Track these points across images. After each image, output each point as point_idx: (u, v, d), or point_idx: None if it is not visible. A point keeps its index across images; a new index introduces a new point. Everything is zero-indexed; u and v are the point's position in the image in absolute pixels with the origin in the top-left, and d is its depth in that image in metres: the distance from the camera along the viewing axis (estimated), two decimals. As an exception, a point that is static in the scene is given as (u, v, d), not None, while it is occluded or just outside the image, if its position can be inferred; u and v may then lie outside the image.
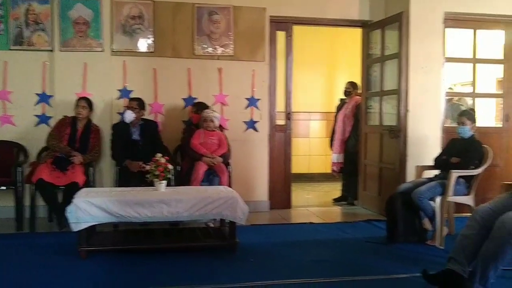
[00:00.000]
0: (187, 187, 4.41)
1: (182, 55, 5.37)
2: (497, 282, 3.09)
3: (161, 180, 3.94)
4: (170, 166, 4.02)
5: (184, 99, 5.39)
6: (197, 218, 4.07)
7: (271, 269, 3.55)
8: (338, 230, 4.83)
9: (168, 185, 4.08)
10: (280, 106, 5.87)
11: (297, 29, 5.94)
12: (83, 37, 5.16)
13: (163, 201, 3.73)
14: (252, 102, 5.54)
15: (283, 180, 5.84)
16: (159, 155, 4.02)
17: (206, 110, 4.97)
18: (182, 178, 4.75)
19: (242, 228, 4.22)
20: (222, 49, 5.45)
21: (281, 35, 5.79)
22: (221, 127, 5.20)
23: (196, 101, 5.32)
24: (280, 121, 5.87)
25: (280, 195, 5.79)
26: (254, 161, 5.59)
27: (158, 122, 5.24)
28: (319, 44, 8.23)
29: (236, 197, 3.89)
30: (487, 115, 7.12)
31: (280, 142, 5.83)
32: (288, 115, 5.88)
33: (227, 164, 4.93)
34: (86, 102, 4.94)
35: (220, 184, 4.66)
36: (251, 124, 5.55)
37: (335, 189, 6.82)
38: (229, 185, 4.71)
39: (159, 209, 3.71)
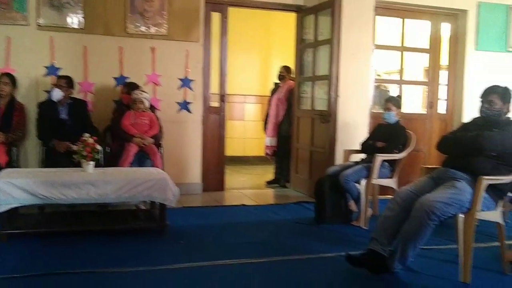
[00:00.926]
0: (116, 169, 4.31)
1: (114, 33, 5.21)
2: (415, 261, 3.28)
3: (88, 161, 3.83)
4: (98, 147, 3.91)
5: (115, 78, 5.24)
6: (126, 200, 3.99)
7: (201, 251, 3.57)
8: (269, 212, 4.92)
9: (97, 166, 3.97)
10: (214, 88, 5.84)
11: (233, 11, 5.92)
12: (7, 9, 4.87)
13: (90, 183, 3.64)
14: (185, 83, 5.48)
15: (216, 162, 5.84)
16: (87, 135, 3.90)
17: (136, 91, 4.85)
18: (112, 160, 4.64)
19: (173, 210, 4.20)
20: (156, 28, 5.33)
21: (216, 17, 5.75)
22: (153, 108, 5.11)
23: (127, 80, 5.19)
24: (215, 103, 5.84)
25: (213, 177, 5.80)
26: (187, 142, 5.55)
27: (88, 101, 5.07)
28: (255, 27, 8.25)
29: (166, 178, 3.85)
30: (415, 102, 7.45)
31: (214, 124, 5.81)
32: (223, 97, 5.86)
33: (158, 145, 4.87)
34: (9, 78, 4.70)
35: (152, 166, 4.60)
36: (184, 105, 5.50)
37: (269, 172, 6.91)
38: (161, 167, 4.65)
39: (86, 191, 3.62)
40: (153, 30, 5.32)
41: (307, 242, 3.89)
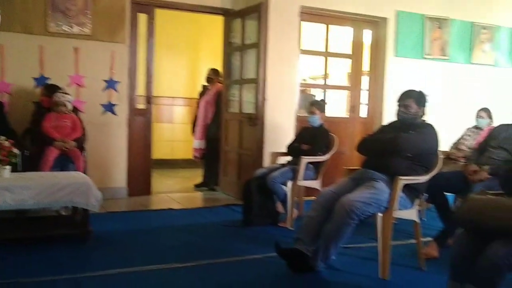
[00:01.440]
0: (35, 173, 4.10)
1: (34, 32, 4.98)
2: (337, 259, 3.39)
3: (4, 165, 3.63)
4: (15, 150, 3.72)
5: (35, 79, 5.00)
6: (46, 206, 3.83)
7: (125, 257, 3.48)
8: (197, 215, 4.89)
9: (14, 171, 3.77)
10: (141, 90, 5.73)
11: (160, 13, 5.84)
12: None
13: (6, 188, 3.44)
14: (110, 84, 5.34)
15: (143, 165, 5.72)
16: (2, 138, 3.70)
17: (58, 94, 4.64)
18: (31, 164, 4.42)
19: (97, 216, 4.08)
20: (79, 27, 5.15)
21: (143, 18, 5.64)
22: (76, 110, 4.93)
23: (48, 81, 4.98)
24: (141, 105, 5.73)
25: (139, 181, 5.68)
26: (112, 145, 5.40)
27: (5, 102, 4.80)
28: (183, 29, 8.19)
29: (89, 183, 3.73)
30: (339, 106, 7.68)
31: (140, 126, 5.70)
32: (149, 99, 5.76)
33: (81, 148, 4.70)
34: None
35: (75, 170, 4.43)
36: (109, 107, 5.35)
37: (198, 175, 6.88)
38: (84, 171, 4.50)
39: (2, 197, 3.41)
40: (76, 29, 5.14)
41: (235, 244, 3.91)
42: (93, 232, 3.78)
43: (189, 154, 7.45)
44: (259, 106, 5.35)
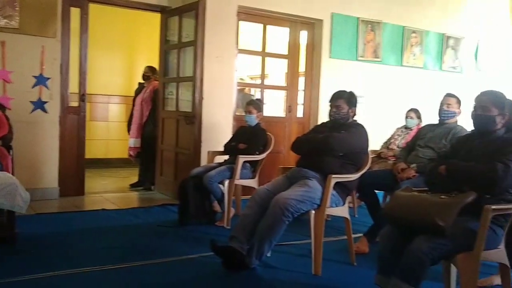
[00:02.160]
0: (-44, 174, 3.88)
1: (-46, 23, 4.71)
2: (272, 256, 3.44)
3: None
4: None
5: (-44, 73, 4.74)
6: (-33, 208, 3.62)
7: (54, 260, 3.35)
8: (131, 215, 4.80)
9: None
10: (74, 87, 5.54)
11: (95, 8, 5.68)
12: None
13: None
14: (40, 80, 5.12)
15: (75, 165, 5.53)
16: None
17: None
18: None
19: (25, 217, 3.93)
20: (6, 20, 4.90)
21: (75, 12, 5.46)
22: (1, 106, 4.69)
23: (-28, 76, 4.73)
24: (74, 103, 5.54)
25: (72, 181, 5.49)
26: (42, 144, 5.19)
27: None
28: (119, 25, 8.00)
29: (15, 183, 3.55)
30: (278, 106, 7.78)
31: (73, 125, 5.51)
32: (83, 97, 5.58)
33: (8, 147, 4.47)
34: None
35: (1, 170, 4.21)
36: (40, 105, 5.13)
37: (134, 175, 6.74)
38: (11, 171, 4.29)
39: None
40: (2, 22, 4.89)
41: (171, 244, 3.87)
42: (19, 235, 3.62)
43: (124, 153, 7.29)
44: (196, 104, 5.32)
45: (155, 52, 6.25)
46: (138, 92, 6.46)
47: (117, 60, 8.31)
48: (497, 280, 3.02)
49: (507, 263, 2.58)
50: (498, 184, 2.47)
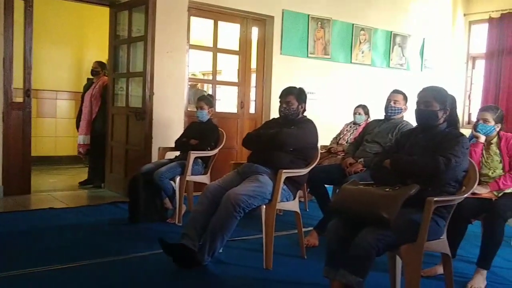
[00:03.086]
0: None
1: None
2: (224, 252, 3.45)
3: None
4: None
5: None
6: None
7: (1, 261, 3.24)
8: (81, 214, 4.69)
9: None
10: (18, 82, 5.34)
11: (41, 1, 5.49)
12: None
13: None
14: (-18, 76, 4.93)
15: (21, 163, 5.34)
16: None
17: None
18: None
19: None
20: None
21: (19, 4, 5.25)
22: None
23: None
24: (18, 99, 5.35)
25: (17, 179, 5.30)
26: (-16, 142, 5.00)
27: None
28: (67, 19, 7.79)
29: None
30: (231, 102, 7.78)
31: (18, 121, 5.31)
32: (28, 92, 5.39)
33: None
34: None
35: None
36: (-19, 101, 4.94)
37: (83, 172, 6.59)
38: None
39: None
40: None
41: (121, 242, 3.81)
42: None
43: (73, 151, 7.11)
44: (147, 100, 5.25)
45: (105, 47, 6.11)
46: (87, 87, 6.31)
47: (65, 55, 8.07)
48: (440, 269, 3.16)
49: (449, 253, 2.70)
50: (440, 177, 2.57)
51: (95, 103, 6.08)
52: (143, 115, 5.27)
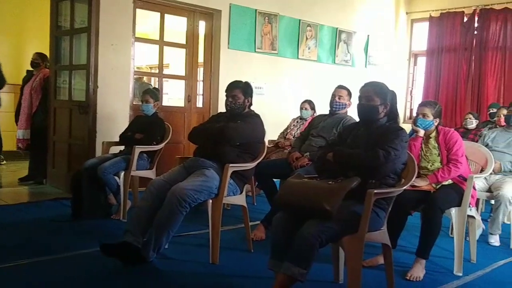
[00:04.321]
0: None
1: None
2: (170, 248, 3.42)
3: None
4: None
5: None
6: None
7: None
8: (21, 211, 4.53)
9: None
10: (-49, 74, 5.09)
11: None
12: None
13: None
14: None
15: (-45, 159, 5.10)
16: None
17: None
18: None
19: None
20: None
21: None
22: None
23: None
24: (-49, 92, 5.09)
25: (-49, 176, 5.06)
26: None
27: None
28: (5, 7, 7.46)
29: None
30: (178, 96, 7.69)
31: (-48, 115, 5.06)
32: (-39, 85, 5.13)
33: None
34: None
35: None
36: None
37: (24, 168, 6.35)
38: None
39: None
40: None
41: (65, 240, 3.70)
42: None
43: (13, 146, 6.84)
44: (91, 93, 5.11)
45: (46, 38, 5.88)
46: (26, 80, 6.07)
47: (2, 46, 7.72)
48: (381, 259, 3.24)
49: (389, 243, 2.78)
50: (380, 170, 2.65)
51: (35, 96, 5.85)
52: (86, 109, 5.13)
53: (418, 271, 3.23)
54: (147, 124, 4.61)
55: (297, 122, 5.58)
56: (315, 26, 7.37)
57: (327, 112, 4.42)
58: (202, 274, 3.14)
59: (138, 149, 4.37)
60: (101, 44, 5.13)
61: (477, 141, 4.70)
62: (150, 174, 4.57)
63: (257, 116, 3.62)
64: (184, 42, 6.24)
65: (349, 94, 4.35)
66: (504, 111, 5.22)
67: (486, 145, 4.36)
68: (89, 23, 5.07)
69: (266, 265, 2.63)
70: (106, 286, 2.92)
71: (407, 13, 8.88)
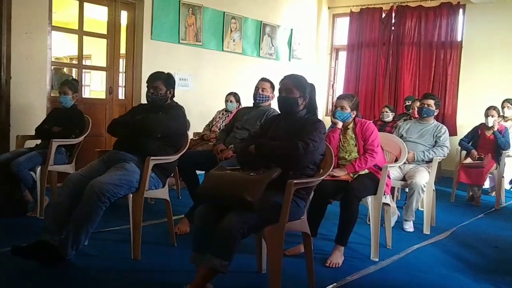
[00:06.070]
0: None
1: None
2: (89, 244, 3.31)
3: None
4: None
5: None
6: None
7: None
8: None
9: None
10: None
11: None
12: None
13: None
14: None
15: None
16: None
17: None
18: None
19: None
20: None
21: None
22: None
23: None
24: None
25: None
26: None
27: None
28: None
29: None
30: (100, 87, 7.44)
31: None
32: None
33: None
34: None
35: None
36: None
37: None
38: None
39: None
40: None
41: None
42: None
43: None
44: (3, 85, 4.83)
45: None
46: None
47: None
48: (303, 248, 3.33)
49: (308, 232, 2.86)
50: (299, 161, 2.71)
51: None
52: (-2, 101, 4.84)
53: (337, 258, 3.34)
54: (65, 117, 4.42)
55: (223, 114, 5.58)
56: (240, 19, 7.38)
57: (251, 105, 4.46)
58: (123, 270, 3.07)
59: (55, 143, 4.18)
60: (14, 32, 4.86)
61: (393, 133, 4.93)
62: (68, 168, 4.40)
63: (180, 107, 3.57)
64: (105, 32, 6.03)
65: (272, 86, 4.40)
66: (418, 104, 5.52)
67: (401, 136, 4.59)
68: (0, 10, 4.77)
69: (188, 258, 2.61)
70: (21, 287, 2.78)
71: (329, 7, 9.11)
